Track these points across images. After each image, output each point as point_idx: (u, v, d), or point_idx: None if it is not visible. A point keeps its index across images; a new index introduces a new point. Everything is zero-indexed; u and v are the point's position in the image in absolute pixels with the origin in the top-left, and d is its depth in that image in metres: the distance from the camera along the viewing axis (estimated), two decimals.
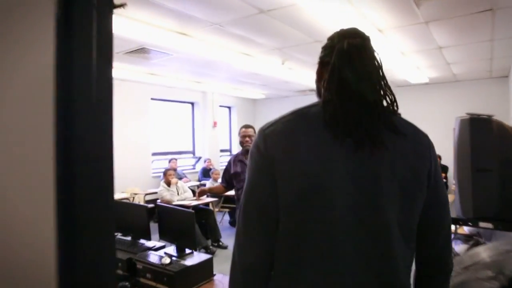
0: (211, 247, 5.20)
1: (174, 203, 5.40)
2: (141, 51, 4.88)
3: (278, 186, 0.85)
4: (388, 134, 0.85)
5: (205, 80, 7.48)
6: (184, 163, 8.89)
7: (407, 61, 5.48)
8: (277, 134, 0.88)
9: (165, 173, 5.72)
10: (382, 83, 0.89)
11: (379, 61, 0.90)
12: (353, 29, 0.93)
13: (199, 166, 8.78)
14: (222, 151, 9.71)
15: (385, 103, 0.90)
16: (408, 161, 0.86)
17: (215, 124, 9.10)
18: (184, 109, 9.02)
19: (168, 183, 5.64)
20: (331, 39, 0.94)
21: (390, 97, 0.90)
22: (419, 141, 0.91)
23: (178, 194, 5.65)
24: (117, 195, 6.10)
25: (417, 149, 0.89)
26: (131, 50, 4.79)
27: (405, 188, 0.84)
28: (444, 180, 7.28)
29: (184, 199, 5.63)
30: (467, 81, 7.61)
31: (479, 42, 4.67)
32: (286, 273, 0.87)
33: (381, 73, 0.90)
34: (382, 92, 0.89)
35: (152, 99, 7.87)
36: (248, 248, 0.93)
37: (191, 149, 9.14)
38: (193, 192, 7.71)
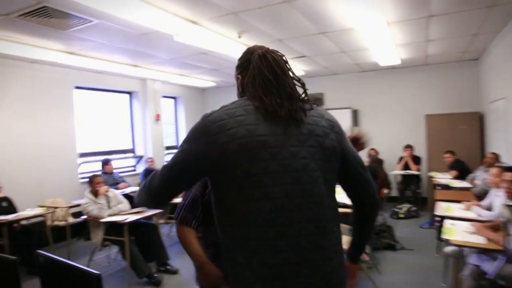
0: (155, 275, 3.98)
1: (105, 219, 4.10)
2: (43, 13, 3.49)
3: (216, 157, 1.06)
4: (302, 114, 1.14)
5: (143, 63, 6.12)
6: (122, 164, 7.46)
7: (386, 36, 4.61)
8: (220, 117, 1.09)
9: (91, 181, 4.36)
10: (294, 80, 1.21)
11: (289, 65, 1.22)
12: (259, 46, 1.26)
13: (141, 167, 7.41)
14: (168, 148, 8.36)
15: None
16: (318, 134, 1.13)
17: (158, 117, 7.74)
18: (120, 100, 7.55)
19: (96, 194, 4.29)
20: (243, 57, 1.26)
21: (303, 91, 1.21)
22: (322, 122, 1.16)
23: (109, 206, 4.33)
24: (28, 212, 4.62)
25: (322, 127, 1.15)
26: (28, 9, 3.38)
27: (319, 149, 1.11)
28: (418, 173, 6.63)
29: (117, 213, 4.32)
30: (437, 64, 7.03)
31: (474, 10, 3.92)
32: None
33: (291, 73, 1.21)
34: (295, 87, 1.18)
35: (77, 87, 6.35)
36: (164, 187, 1.13)
37: (130, 147, 7.71)
38: (133, 199, 6.40)
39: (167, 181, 1.12)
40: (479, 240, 2.74)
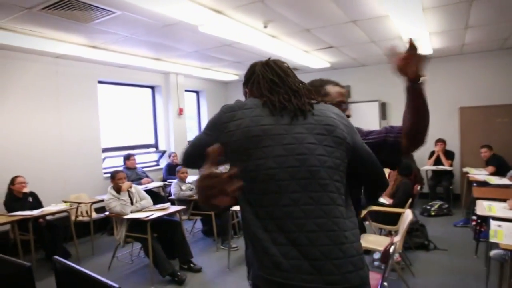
0: (179, 273, 3.88)
1: (127, 216, 4.03)
2: (66, 5, 3.41)
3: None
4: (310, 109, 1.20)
5: (166, 56, 6.02)
6: (145, 159, 7.44)
7: (421, 23, 4.31)
8: (231, 108, 1.21)
9: (113, 176, 4.30)
10: (298, 80, 1.29)
11: (291, 70, 1.31)
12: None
13: (164, 162, 7.37)
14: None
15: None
16: (327, 123, 1.17)
17: (181, 111, 7.67)
18: (143, 94, 7.52)
19: (118, 190, 4.23)
20: (247, 72, 1.36)
21: (308, 89, 1.27)
22: (330, 114, 1.21)
23: (132, 203, 4.26)
24: (52, 207, 4.62)
25: (331, 118, 1.19)
26: (50, 2, 3.31)
27: (328, 136, 1.15)
28: (450, 168, 6.29)
29: (141, 209, 4.26)
30: (473, 53, 6.61)
31: None
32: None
33: (293, 75, 1.29)
34: (300, 85, 1.26)
35: (100, 82, 6.33)
36: (191, 148, 1.34)
37: (153, 142, 7.68)
38: (156, 195, 6.36)
39: (194, 143, 1.32)
40: None
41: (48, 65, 5.43)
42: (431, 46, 5.69)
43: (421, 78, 1.27)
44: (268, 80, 1.24)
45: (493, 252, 2.95)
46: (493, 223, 2.96)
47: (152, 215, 3.97)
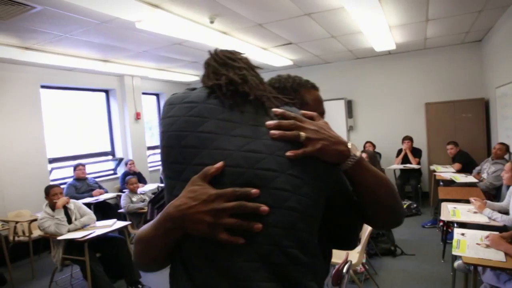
0: None
1: (62, 236, 3.59)
2: None
3: None
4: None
5: (114, 57, 5.57)
6: (101, 168, 6.95)
7: (379, 16, 4.07)
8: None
9: (47, 192, 3.85)
10: (254, 72, 0.90)
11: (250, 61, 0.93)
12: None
13: (122, 171, 6.89)
14: (150, 148, 7.83)
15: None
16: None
17: (138, 115, 7.21)
18: (96, 99, 7.01)
19: (53, 207, 3.77)
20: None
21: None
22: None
23: (70, 221, 3.81)
24: None
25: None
26: None
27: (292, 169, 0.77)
28: (418, 166, 6.13)
29: (81, 228, 3.81)
30: (436, 48, 6.48)
31: None
32: None
33: (253, 72, 0.90)
34: (257, 80, 0.88)
35: (43, 86, 5.80)
36: None
37: (109, 149, 7.18)
38: (110, 207, 5.88)
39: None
40: (496, 256, 2.24)
41: None
42: (394, 40, 5.48)
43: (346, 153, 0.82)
44: (213, 62, 0.89)
45: (457, 263, 2.71)
46: (456, 232, 2.72)
47: (90, 234, 3.55)
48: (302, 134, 0.78)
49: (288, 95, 1.00)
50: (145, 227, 0.80)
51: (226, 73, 0.84)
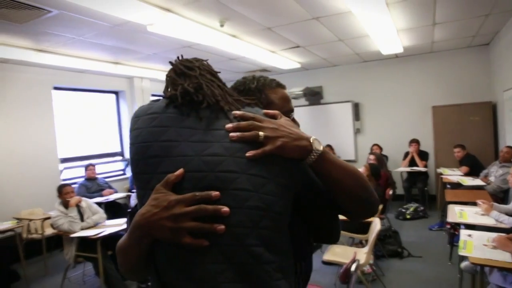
0: None
1: (75, 234, 3.68)
2: None
3: None
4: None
5: (125, 60, 5.67)
6: (111, 168, 7.05)
7: (387, 19, 4.11)
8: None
9: (59, 191, 3.94)
10: (215, 78, 0.92)
11: (215, 73, 0.94)
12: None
13: (130, 171, 6.97)
14: None
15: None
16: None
17: None
18: (106, 100, 7.12)
19: (66, 205, 3.87)
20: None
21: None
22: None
23: (83, 219, 3.90)
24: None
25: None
26: None
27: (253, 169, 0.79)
28: (425, 169, 6.14)
29: (93, 225, 3.90)
30: (444, 51, 6.49)
31: None
32: None
33: (214, 78, 0.92)
34: (217, 89, 0.89)
35: (56, 88, 5.92)
36: None
37: (119, 150, 7.29)
38: (120, 206, 5.98)
39: None
40: (503, 257, 2.27)
41: None
42: (401, 43, 5.52)
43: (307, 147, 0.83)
44: (172, 73, 0.91)
45: (463, 264, 2.74)
46: (463, 233, 2.75)
47: (102, 232, 3.64)
48: (261, 133, 0.79)
49: (253, 96, 1.03)
50: (122, 238, 0.84)
51: (182, 83, 0.86)
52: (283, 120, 0.86)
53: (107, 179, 6.34)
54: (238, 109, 0.86)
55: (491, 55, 6.13)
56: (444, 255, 4.13)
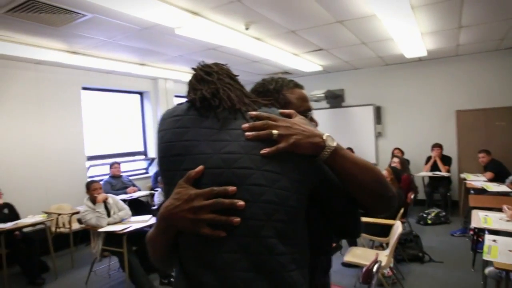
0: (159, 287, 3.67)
1: (103, 228, 3.83)
2: (31, 7, 3.22)
3: None
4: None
5: (151, 61, 5.84)
6: (134, 167, 7.25)
7: (411, 22, 4.10)
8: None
9: (88, 187, 4.10)
10: (233, 81, 0.99)
11: (233, 77, 1.01)
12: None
13: (153, 170, 7.16)
14: None
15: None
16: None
17: None
18: (131, 100, 7.33)
19: (94, 201, 4.03)
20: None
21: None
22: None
23: (109, 214, 4.05)
24: (28, 219, 4.41)
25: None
26: (14, 4, 3.12)
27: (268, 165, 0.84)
28: (448, 174, 6.06)
29: (119, 221, 4.05)
30: (469, 54, 6.39)
31: None
32: None
33: (233, 81, 0.99)
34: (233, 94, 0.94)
35: (84, 88, 6.15)
36: None
37: (142, 149, 7.48)
38: (143, 204, 6.15)
39: None
40: None
41: (28, 72, 5.25)
42: (425, 47, 5.48)
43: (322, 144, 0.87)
44: (193, 79, 0.99)
45: (488, 270, 2.72)
46: (487, 238, 2.73)
47: (128, 227, 3.77)
48: (274, 132, 0.84)
49: (271, 97, 1.10)
50: (151, 229, 0.93)
51: (201, 88, 0.94)
52: (297, 119, 0.91)
53: (130, 177, 6.53)
54: (255, 110, 0.91)
55: None
56: (466, 261, 4.07)
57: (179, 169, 0.86)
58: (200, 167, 0.83)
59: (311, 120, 1.14)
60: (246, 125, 0.87)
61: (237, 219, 0.79)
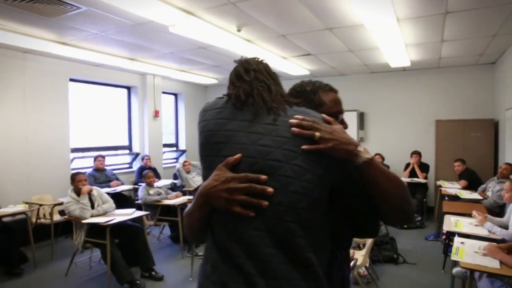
0: (137, 281, 3.71)
1: (86, 220, 3.85)
2: None
3: None
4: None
5: (141, 57, 5.87)
6: (118, 161, 7.23)
7: (396, 34, 4.29)
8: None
9: (72, 178, 4.11)
10: (271, 78, 1.10)
11: (271, 73, 1.12)
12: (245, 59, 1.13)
13: (137, 165, 7.16)
14: (166, 145, 8.13)
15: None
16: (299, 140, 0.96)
17: (156, 113, 7.49)
18: (118, 94, 7.32)
19: (78, 193, 4.04)
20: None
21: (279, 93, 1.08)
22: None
23: (93, 206, 4.08)
24: (8, 209, 4.38)
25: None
26: None
27: (296, 159, 0.94)
28: (425, 181, 6.29)
29: (102, 214, 4.07)
30: (450, 67, 6.67)
31: (496, 6, 3.58)
32: None
33: (268, 78, 1.09)
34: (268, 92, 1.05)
35: (72, 80, 6.12)
36: None
37: (127, 143, 7.47)
38: (126, 198, 6.15)
39: None
40: (492, 263, 2.43)
41: (15, 60, 5.20)
42: (409, 57, 5.70)
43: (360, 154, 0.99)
44: (233, 74, 1.10)
45: (455, 270, 2.89)
46: (456, 240, 2.91)
47: (112, 220, 3.81)
48: (317, 134, 0.95)
49: (308, 97, 1.21)
50: (189, 205, 1.05)
51: (239, 86, 1.05)
52: (337, 127, 1.01)
53: (114, 171, 6.52)
54: (286, 108, 1.02)
55: (496, 74, 6.29)
56: (438, 263, 4.27)
57: (219, 155, 0.98)
58: (239, 155, 0.94)
59: (342, 122, 1.25)
60: (293, 121, 0.97)
61: (266, 203, 0.90)
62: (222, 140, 0.99)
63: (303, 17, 3.93)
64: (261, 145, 0.95)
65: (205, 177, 1.01)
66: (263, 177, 0.91)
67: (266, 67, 1.12)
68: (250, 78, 1.06)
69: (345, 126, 1.22)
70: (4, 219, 4.38)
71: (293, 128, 0.95)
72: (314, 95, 1.22)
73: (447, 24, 4.17)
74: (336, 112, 1.22)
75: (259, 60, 1.14)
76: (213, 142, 1.01)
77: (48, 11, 3.62)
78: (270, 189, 0.90)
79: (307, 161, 0.94)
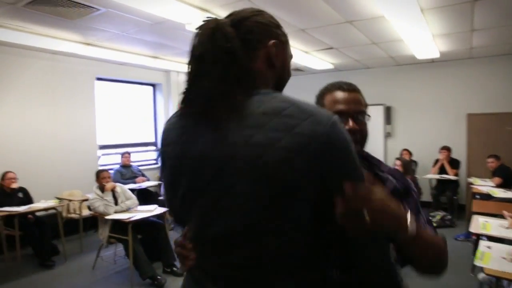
0: (158, 277, 3.80)
1: (110, 216, 3.97)
2: (49, 1, 3.34)
3: None
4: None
5: (163, 54, 5.95)
6: (144, 157, 7.41)
7: (421, 24, 4.09)
8: None
9: (97, 176, 4.25)
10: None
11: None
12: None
13: None
14: None
15: None
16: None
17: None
18: (144, 92, 7.48)
19: (103, 189, 4.17)
20: None
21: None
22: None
23: (117, 203, 4.20)
24: (41, 204, 4.60)
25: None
26: None
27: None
28: (456, 177, 6.02)
29: (126, 210, 4.19)
30: (483, 57, 6.29)
31: None
32: None
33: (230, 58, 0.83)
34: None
35: (98, 79, 6.31)
36: None
37: (153, 140, 7.64)
38: (152, 194, 6.30)
39: None
40: None
41: (45, 61, 5.42)
42: (438, 48, 5.43)
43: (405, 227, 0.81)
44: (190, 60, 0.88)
45: (481, 276, 2.74)
46: (482, 244, 2.75)
47: (134, 216, 3.90)
48: (367, 218, 0.74)
49: (317, 103, 1.14)
50: None
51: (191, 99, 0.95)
52: (384, 196, 0.80)
53: (140, 167, 6.68)
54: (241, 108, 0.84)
55: None
56: (466, 265, 4.07)
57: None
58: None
59: (345, 124, 1.07)
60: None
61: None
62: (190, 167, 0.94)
63: (321, 11, 3.82)
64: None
65: None
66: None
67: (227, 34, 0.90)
68: (207, 77, 0.98)
69: (351, 128, 1.06)
70: (37, 214, 4.61)
71: (340, 210, 0.75)
72: (321, 98, 1.14)
73: (476, 12, 3.93)
74: (336, 112, 1.02)
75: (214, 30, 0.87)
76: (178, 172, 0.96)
77: (70, 14, 3.73)
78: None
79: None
